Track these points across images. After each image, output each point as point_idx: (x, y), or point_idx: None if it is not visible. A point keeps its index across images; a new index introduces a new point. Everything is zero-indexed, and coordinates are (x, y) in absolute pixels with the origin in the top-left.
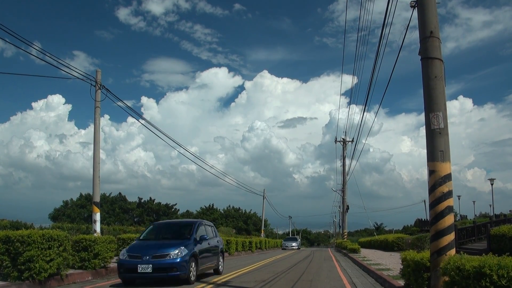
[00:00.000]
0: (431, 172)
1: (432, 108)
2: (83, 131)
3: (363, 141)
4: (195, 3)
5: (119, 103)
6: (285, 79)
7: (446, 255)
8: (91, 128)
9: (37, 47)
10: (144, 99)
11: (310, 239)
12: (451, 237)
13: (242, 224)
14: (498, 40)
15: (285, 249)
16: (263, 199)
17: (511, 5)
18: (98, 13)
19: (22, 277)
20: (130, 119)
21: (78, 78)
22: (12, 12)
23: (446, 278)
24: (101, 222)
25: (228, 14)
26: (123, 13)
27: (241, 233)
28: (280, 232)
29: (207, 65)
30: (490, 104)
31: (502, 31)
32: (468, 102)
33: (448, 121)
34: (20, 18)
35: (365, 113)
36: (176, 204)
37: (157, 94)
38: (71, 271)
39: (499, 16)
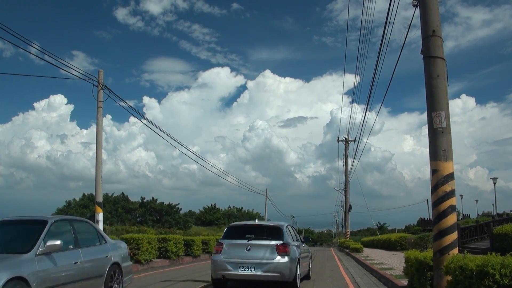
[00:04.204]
0: (434, 171)
1: (435, 107)
2: (85, 131)
3: (365, 140)
4: (193, 3)
5: (122, 103)
6: (287, 79)
7: (449, 254)
8: (93, 128)
9: (38, 46)
10: (146, 99)
11: (312, 239)
12: (453, 236)
13: None
14: (498, 39)
15: None
16: (266, 198)
17: (511, 4)
18: (97, 13)
19: None
20: (132, 119)
21: (80, 78)
22: (10, 12)
23: (449, 277)
24: (104, 222)
25: (226, 13)
26: (121, 13)
27: None
28: None
29: (206, 64)
30: (492, 103)
31: (502, 29)
32: (470, 101)
33: (450, 120)
34: (18, 18)
35: (367, 112)
36: (178, 203)
37: (158, 94)
38: None
39: (499, 14)
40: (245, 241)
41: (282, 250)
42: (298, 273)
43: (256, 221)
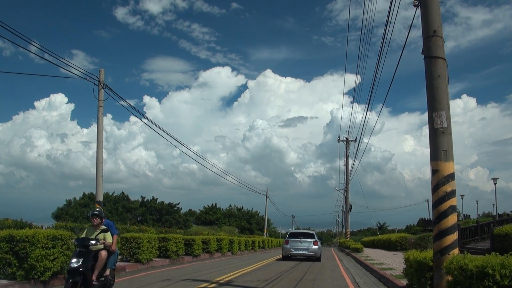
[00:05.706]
0: (434, 172)
1: (435, 107)
2: (85, 130)
3: (365, 141)
4: (192, 2)
5: (122, 102)
6: (288, 78)
7: (449, 254)
8: (93, 127)
9: (38, 45)
10: (146, 98)
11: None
12: (454, 236)
13: (245, 224)
14: (498, 39)
15: None
16: (266, 198)
17: (511, 4)
18: (96, 13)
19: (29, 277)
20: (133, 118)
21: (81, 77)
22: (9, 11)
23: (449, 278)
24: None
25: (225, 13)
26: (121, 12)
27: (244, 232)
28: (283, 232)
29: (206, 64)
30: (492, 103)
31: (502, 30)
32: (471, 101)
33: (451, 120)
34: (17, 17)
35: (367, 112)
36: (179, 203)
37: (158, 93)
38: None
39: (499, 14)
40: (298, 239)
41: (315, 243)
42: (321, 254)
43: (302, 230)
